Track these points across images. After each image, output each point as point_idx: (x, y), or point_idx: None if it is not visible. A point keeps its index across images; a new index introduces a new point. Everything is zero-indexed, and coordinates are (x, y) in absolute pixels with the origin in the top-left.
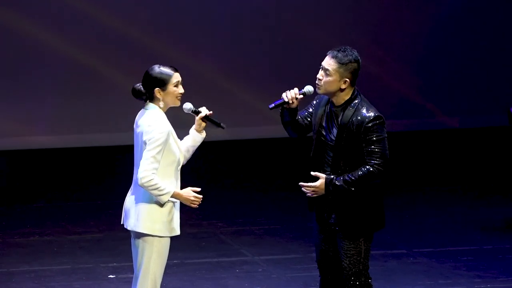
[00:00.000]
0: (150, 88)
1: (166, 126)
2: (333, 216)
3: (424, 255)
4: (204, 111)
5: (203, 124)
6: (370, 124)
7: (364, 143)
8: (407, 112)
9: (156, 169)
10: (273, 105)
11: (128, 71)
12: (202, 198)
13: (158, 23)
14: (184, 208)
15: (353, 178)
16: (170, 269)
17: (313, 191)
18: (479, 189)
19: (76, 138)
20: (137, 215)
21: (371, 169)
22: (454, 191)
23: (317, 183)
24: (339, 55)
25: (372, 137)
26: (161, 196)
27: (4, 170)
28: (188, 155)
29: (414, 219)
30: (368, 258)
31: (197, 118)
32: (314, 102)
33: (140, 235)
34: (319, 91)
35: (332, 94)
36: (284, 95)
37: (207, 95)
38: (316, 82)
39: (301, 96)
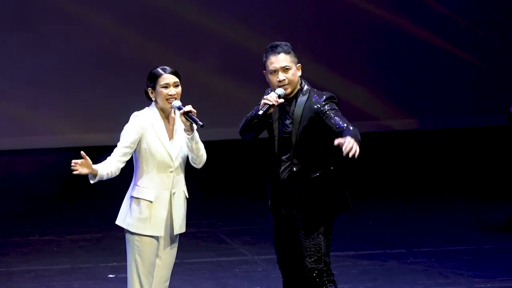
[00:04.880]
0: (146, 88)
1: (140, 120)
2: (293, 212)
3: (424, 255)
4: (186, 108)
5: (187, 122)
6: (325, 103)
7: (326, 118)
8: (406, 112)
9: (117, 154)
10: (261, 111)
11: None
12: (79, 162)
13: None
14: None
15: (351, 128)
16: None
17: (351, 144)
18: (479, 189)
19: (76, 138)
20: (120, 209)
21: (349, 126)
22: (453, 191)
23: (347, 138)
24: (281, 48)
25: (331, 111)
26: None
27: (5, 171)
28: (192, 156)
29: (414, 219)
30: (329, 255)
31: (179, 115)
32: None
33: (124, 232)
34: (288, 91)
35: (295, 87)
36: (266, 101)
37: (207, 95)
38: (280, 85)
39: (281, 100)
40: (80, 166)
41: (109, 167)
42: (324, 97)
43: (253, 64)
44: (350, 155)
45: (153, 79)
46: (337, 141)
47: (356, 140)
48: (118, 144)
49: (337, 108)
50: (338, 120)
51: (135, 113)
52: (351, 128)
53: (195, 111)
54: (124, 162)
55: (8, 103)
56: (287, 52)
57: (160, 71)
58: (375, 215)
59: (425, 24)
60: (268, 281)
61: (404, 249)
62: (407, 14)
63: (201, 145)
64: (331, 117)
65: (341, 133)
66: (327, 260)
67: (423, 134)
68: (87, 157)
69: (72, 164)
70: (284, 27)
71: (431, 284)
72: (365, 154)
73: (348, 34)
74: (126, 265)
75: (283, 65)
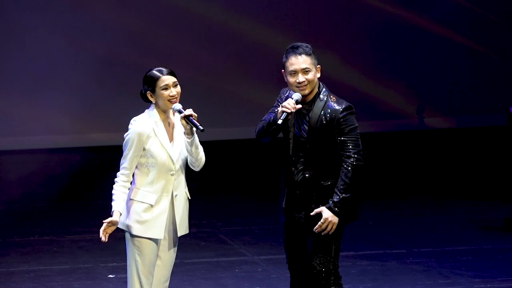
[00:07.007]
0: (144, 91)
1: (140, 127)
2: (302, 215)
3: (424, 255)
4: (187, 112)
5: (187, 126)
6: (342, 115)
7: (338, 134)
8: (406, 112)
9: (125, 168)
10: (281, 120)
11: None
12: (105, 227)
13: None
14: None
15: (344, 186)
16: None
17: (327, 225)
18: (479, 189)
19: (76, 138)
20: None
21: (350, 167)
22: (453, 191)
23: (324, 216)
24: (303, 49)
25: (345, 128)
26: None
27: (5, 170)
28: (191, 159)
29: (414, 219)
30: (338, 257)
31: (179, 118)
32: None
33: (124, 232)
34: (305, 92)
35: (313, 89)
36: (285, 109)
37: (208, 95)
38: (298, 86)
39: (299, 105)
40: (108, 229)
41: (124, 195)
42: (343, 106)
43: (257, 63)
44: (323, 233)
45: (152, 82)
46: (315, 211)
47: (333, 213)
48: (123, 158)
49: (353, 124)
50: (348, 145)
51: (134, 119)
52: (344, 177)
53: (195, 115)
54: (132, 175)
55: (9, 103)
56: (308, 54)
57: (158, 73)
58: (375, 215)
59: (425, 22)
60: (268, 281)
61: (404, 249)
62: (407, 10)
63: (200, 149)
64: (343, 137)
65: (342, 158)
66: (336, 263)
67: (422, 135)
68: (109, 220)
69: (101, 236)
70: (285, 22)
71: (431, 285)
72: (365, 154)
73: (348, 28)
74: (126, 265)
75: (304, 67)
